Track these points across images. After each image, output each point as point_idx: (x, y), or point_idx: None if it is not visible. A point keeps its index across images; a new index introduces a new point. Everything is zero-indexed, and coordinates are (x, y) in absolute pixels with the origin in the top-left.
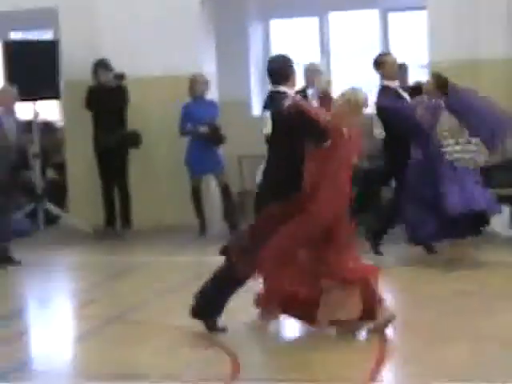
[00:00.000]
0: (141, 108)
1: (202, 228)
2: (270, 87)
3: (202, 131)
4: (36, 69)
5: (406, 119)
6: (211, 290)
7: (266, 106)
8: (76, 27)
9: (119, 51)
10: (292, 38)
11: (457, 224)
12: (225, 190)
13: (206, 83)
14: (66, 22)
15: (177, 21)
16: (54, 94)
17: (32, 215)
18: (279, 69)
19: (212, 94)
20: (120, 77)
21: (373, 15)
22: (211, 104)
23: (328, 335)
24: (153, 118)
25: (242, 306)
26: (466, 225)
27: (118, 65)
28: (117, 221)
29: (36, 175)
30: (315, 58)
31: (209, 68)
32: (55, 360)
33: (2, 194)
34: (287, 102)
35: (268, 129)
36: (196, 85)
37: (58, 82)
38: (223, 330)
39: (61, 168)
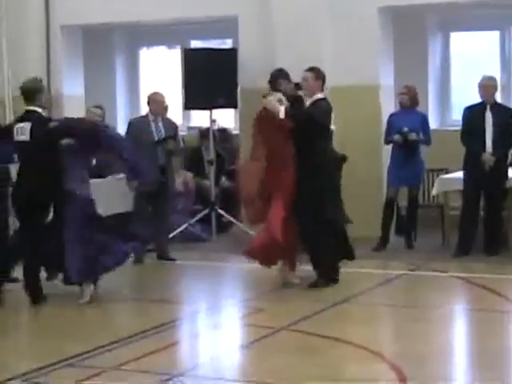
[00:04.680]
0: None
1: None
2: None
3: None
4: (215, 77)
5: None
6: None
7: None
8: (254, 36)
9: (293, 61)
10: (472, 51)
11: None
12: None
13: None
14: (245, 31)
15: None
16: (232, 103)
17: (205, 221)
18: None
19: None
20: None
21: None
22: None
23: None
24: None
25: None
26: None
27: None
28: None
29: (211, 182)
30: (495, 72)
31: None
32: (221, 367)
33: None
34: None
35: None
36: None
37: (236, 91)
38: None
39: (234, 176)
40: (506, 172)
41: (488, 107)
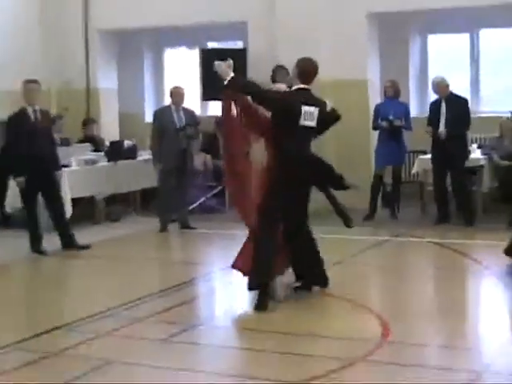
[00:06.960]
0: None
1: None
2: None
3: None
4: None
5: None
6: None
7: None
8: (261, 38)
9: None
10: (446, 51)
11: None
12: None
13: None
14: (253, 34)
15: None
16: None
17: (219, 196)
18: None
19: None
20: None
21: None
22: None
23: None
24: None
25: None
26: None
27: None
28: None
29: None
30: (465, 69)
31: None
32: (234, 317)
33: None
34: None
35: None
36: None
37: None
38: None
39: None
40: (464, 152)
41: (443, 100)
